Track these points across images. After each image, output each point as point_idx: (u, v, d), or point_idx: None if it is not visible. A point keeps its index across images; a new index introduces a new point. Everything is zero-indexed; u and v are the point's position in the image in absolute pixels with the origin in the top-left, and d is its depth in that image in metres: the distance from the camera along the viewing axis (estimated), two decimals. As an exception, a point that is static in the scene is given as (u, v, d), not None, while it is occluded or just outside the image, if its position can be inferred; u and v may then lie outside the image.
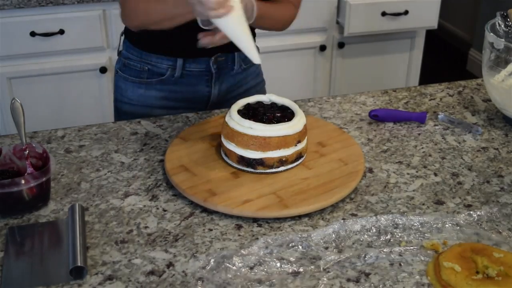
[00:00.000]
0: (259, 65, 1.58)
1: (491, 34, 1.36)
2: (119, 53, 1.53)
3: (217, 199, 1.10)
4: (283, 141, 1.16)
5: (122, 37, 1.52)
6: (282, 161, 1.17)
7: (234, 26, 1.11)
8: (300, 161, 1.20)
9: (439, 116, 1.41)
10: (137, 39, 1.46)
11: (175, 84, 1.47)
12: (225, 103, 1.52)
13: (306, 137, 1.21)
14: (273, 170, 1.17)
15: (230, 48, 1.29)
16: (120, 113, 1.53)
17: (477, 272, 0.95)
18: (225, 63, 1.48)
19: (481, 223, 1.08)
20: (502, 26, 1.39)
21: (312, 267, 0.98)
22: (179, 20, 1.23)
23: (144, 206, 1.12)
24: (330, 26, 2.60)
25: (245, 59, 1.50)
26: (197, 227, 1.07)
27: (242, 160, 1.17)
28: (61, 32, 2.31)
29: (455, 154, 1.30)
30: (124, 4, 1.33)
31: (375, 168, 1.24)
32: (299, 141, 1.18)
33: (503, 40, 1.35)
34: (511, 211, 1.12)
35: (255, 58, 1.15)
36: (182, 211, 1.11)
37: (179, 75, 1.46)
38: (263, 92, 1.60)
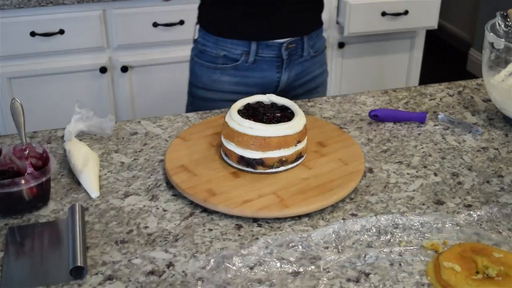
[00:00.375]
0: (325, 55, 1.65)
1: (491, 34, 1.36)
2: (195, 41, 1.60)
3: (217, 199, 1.10)
4: (283, 141, 1.16)
5: (197, 26, 1.59)
6: (282, 161, 1.17)
7: None
8: (300, 161, 1.20)
9: (439, 116, 1.41)
10: (213, 26, 1.54)
11: (247, 70, 1.54)
12: (292, 90, 1.60)
13: (306, 137, 1.21)
14: (273, 170, 1.17)
15: (300, 32, 1.46)
16: (194, 98, 1.61)
17: (477, 272, 0.95)
18: (295, 49, 1.54)
19: (481, 223, 1.08)
20: (502, 26, 1.39)
21: (312, 267, 0.98)
22: None
23: (144, 206, 1.12)
24: (330, 26, 2.60)
25: (314, 46, 1.58)
26: (197, 227, 1.07)
27: (242, 160, 1.17)
28: (61, 32, 2.31)
29: (455, 154, 1.30)
30: None
31: (375, 168, 1.24)
32: (299, 141, 1.18)
33: (503, 40, 1.35)
34: (511, 211, 1.12)
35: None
36: (182, 211, 1.11)
37: (252, 61, 1.52)
38: (325, 82, 1.68)
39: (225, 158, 1.21)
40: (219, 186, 1.14)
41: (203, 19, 1.58)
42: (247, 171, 1.17)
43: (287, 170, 1.18)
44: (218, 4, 1.52)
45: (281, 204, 1.09)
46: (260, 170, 1.17)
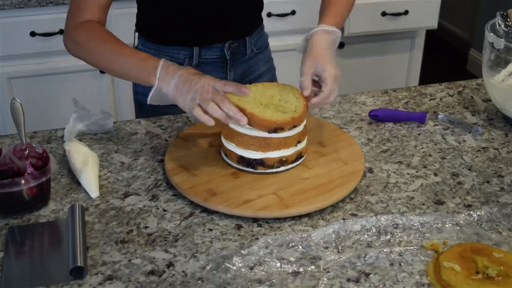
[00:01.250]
0: (269, 51, 1.64)
1: (491, 34, 1.36)
2: (136, 48, 1.55)
3: (217, 199, 1.10)
4: (283, 142, 1.16)
5: (136, 34, 1.56)
6: (282, 161, 1.17)
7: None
8: (300, 161, 1.20)
9: (439, 116, 1.41)
10: (153, 33, 1.50)
11: None
12: None
13: (306, 137, 1.21)
14: (273, 170, 1.17)
15: (241, 33, 1.46)
16: (143, 107, 1.56)
17: (477, 272, 0.95)
18: (238, 48, 1.52)
19: (481, 223, 1.08)
20: (502, 26, 1.39)
21: (312, 267, 0.98)
22: (126, 75, 1.27)
23: (144, 206, 1.12)
24: (330, 26, 2.59)
25: (256, 44, 1.56)
26: (197, 227, 1.07)
27: (242, 160, 1.17)
28: (61, 32, 2.30)
29: (455, 154, 1.30)
30: (73, 33, 1.32)
31: (375, 168, 1.24)
32: (299, 141, 1.18)
33: (503, 40, 1.35)
34: (511, 211, 1.12)
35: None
36: (182, 211, 1.11)
37: (196, 64, 1.49)
38: (275, 78, 1.67)
39: (225, 158, 1.21)
40: (219, 186, 1.14)
41: (142, 28, 1.54)
42: (247, 171, 1.17)
43: (287, 170, 1.18)
44: (156, 12, 1.47)
45: (281, 204, 1.09)
46: (260, 170, 1.17)
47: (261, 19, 1.60)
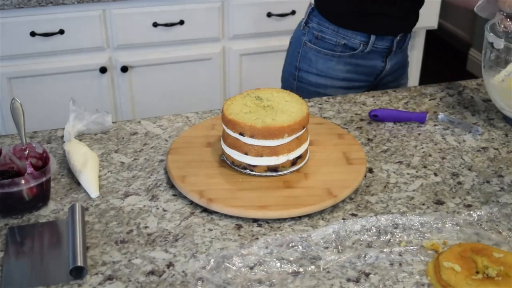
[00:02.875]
0: (407, 48, 1.76)
1: (491, 34, 1.36)
2: (305, 25, 1.65)
3: (217, 199, 1.10)
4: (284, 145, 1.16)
5: (310, 11, 1.65)
6: (282, 163, 1.17)
7: None
8: (301, 162, 1.20)
9: (439, 116, 1.41)
10: (335, 16, 1.59)
11: (360, 59, 1.62)
12: (386, 76, 1.69)
13: (307, 138, 1.21)
14: (274, 171, 1.17)
15: (410, 28, 1.64)
16: (304, 83, 1.67)
17: (477, 272, 0.95)
18: (400, 42, 1.65)
19: (481, 223, 1.08)
20: (502, 26, 1.39)
21: (312, 267, 0.98)
22: None
23: (144, 206, 1.12)
24: (330, 26, 2.59)
25: (410, 37, 1.70)
26: (197, 227, 1.07)
27: (242, 162, 1.17)
28: (61, 32, 2.31)
29: (455, 154, 1.30)
30: None
31: (375, 168, 1.24)
32: (299, 143, 1.18)
33: (502, 40, 1.35)
34: (511, 211, 1.12)
35: None
36: (182, 211, 1.11)
37: (368, 51, 1.61)
38: (406, 72, 1.79)
39: (225, 159, 1.20)
40: (220, 187, 1.14)
41: (323, 6, 1.62)
42: (247, 173, 1.17)
43: (287, 170, 1.18)
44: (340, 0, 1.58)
45: (281, 204, 1.09)
46: (260, 171, 1.17)
47: (418, 19, 1.72)
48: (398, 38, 1.63)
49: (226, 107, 1.18)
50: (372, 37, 1.59)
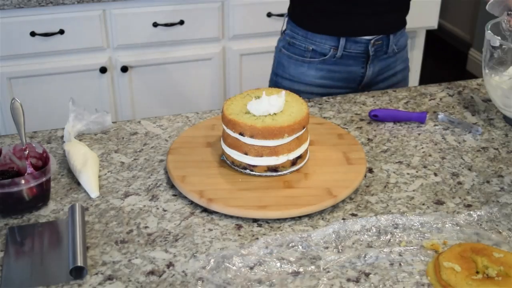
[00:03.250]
0: (407, 51, 1.72)
1: (489, 31, 1.36)
2: (283, 32, 1.67)
3: (217, 199, 1.10)
4: (284, 145, 1.16)
5: (286, 18, 1.65)
6: (282, 163, 1.17)
7: None
8: (300, 162, 1.20)
9: (439, 116, 1.41)
10: (303, 20, 1.58)
11: (334, 64, 1.59)
12: (374, 84, 1.66)
13: (307, 138, 1.21)
14: (274, 171, 1.17)
15: (387, 30, 1.57)
16: (279, 88, 1.62)
17: (477, 272, 0.95)
18: (381, 46, 1.59)
19: (481, 223, 1.08)
20: (508, 25, 1.39)
21: (312, 267, 0.98)
22: None
23: (144, 206, 1.12)
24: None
25: (397, 44, 1.63)
26: (197, 227, 1.07)
27: (242, 162, 1.17)
28: (61, 32, 2.31)
29: (455, 154, 1.30)
30: None
31: (375, 168, 1.24)
32: (299, 143, 1.18)
33: (499, 38, 1.34)
34: (511, 211, 1.12)
35: None
36: (182, 211, 1.11)
37: (339, 56, 1.58)
38: (406, 78, 1.74)
39: (226, 160, 1.20)
40: (220, 187, 1.14)
41: (294, 13, 1.62)
42: (247, 173, 1.17)
43: (287, 170, 1.18)
44: (310, 0, 1.56)
45: (281, 204, 1.09)
46: (260, 171, 1.17)
47: (405, 22, 1.66)
48: (373, 41, 1.57)
49: (226, 107, 1.18)
50: (342, 41, 1.55)
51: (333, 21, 1.54)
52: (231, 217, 1.09)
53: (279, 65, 1.68)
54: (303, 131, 1.17)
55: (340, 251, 1.01)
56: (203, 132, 1.30)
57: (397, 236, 1.04)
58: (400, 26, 1.64)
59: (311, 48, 1.58)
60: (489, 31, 1.35)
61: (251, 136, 1.13)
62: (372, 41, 1.57)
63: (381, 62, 1.62)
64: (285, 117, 1.15)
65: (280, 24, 2.53)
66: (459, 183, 1.20)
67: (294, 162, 1.18)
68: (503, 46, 1.34)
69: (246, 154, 1.15)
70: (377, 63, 1.62)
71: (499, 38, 1.34)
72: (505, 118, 1.42)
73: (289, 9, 1.66)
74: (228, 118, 1.15)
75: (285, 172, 1.18)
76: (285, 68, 1.65)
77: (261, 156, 1.15)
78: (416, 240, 1.04)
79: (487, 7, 1.40)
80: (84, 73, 2.42)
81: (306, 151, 1.21)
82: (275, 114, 1.16)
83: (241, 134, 1.14)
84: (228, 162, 1.20)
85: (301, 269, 0.97)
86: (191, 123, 1.40)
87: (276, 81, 1.68)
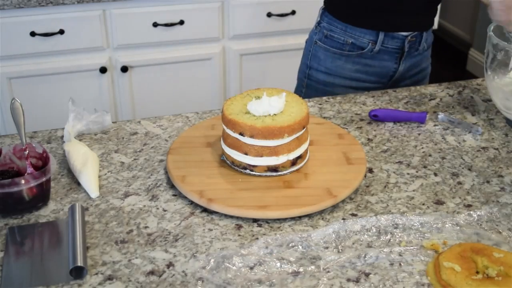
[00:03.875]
0: (430, 51, 1.72)
1: (493, 35, 1.35)
2: (317, 25, 1.66)
3: (217, 199, 1.10)
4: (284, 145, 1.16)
5: (321, 11, 1.66)
6: (282, 163, 1.17)
7: None
8: (301, 162, 1.20)
9: (439, 116, 1.41)
10: (343, 13, 1.59)
11: (370, 59, 1.61)
12: (402, 80, 1.69)
13: (307, 138, 1.21)
14: (274, 171, 1.17)
15: (422, 26, 1.60)
16: (313, 81, 1.68)
17: (477, 272, 0.95)
18: (414, 43, 1.62)
19: (481, 223, 1.08)
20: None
21: (312, 267, 0.98)
22: None
23: (144, 206, 1.12)
24: (330, 26, 2.59)
25: (427, 41, 1.66)
26: (197, 227, 1.07)
27: (242, 162, 1.17)
28: (61, 32, 2.31)
29: (455, 154, 1.30)
30: None
31: (375, 168, 1.24)
32: (299, 144, 1.18)
33: (497, 39, 1.34)
34: (511, 211, 1.12)
35: None
36: (182, 211, 1.11)
37: (377, 50, 1.59)
38: (428, 76, 1.77)
39: (225, 159, 1.20)
40: (220, 187, 1.14)
41: (332, 5, 1.63)
42: (247, 173, 1.17)
43: (287, 171, 1.18)
44: None
45: (281, 204, 1.09)
46: (260, 171, 1.17)
47: (434, 21, 1.68)
48: (409, 38, 1.60)
49: (226, 107, 1.18)
50: (381, 36, 1.58)
51: (374, 16, 1.57)
52: (231, 217, 1.09)
53: (314, 57, 1.67)
54: (303, 131, 1.17)
55: (340, 251, 1.01)
56: (203, 132, 1.30)
57: (397, 236, 1.04)
58: (431, 25, 1.67)
59: (350, 41, 1.60)
60: (493, 35, 1.35)
61: (251, 136, 1.13)
62: (408, 37, 1.59)
63: (412, 59, 1.65)
64: (285, 117, 1.15)
65: (280, 25, 2.54)
66: (459, 183, 1.20)
67: (294, 162, 1.18)
68: (507, 48, 1.34)
69: (246, 154, 1.15)
70: (409, 60, 1.64)
71: (497, 39, 1.34)
72: (506, 120, 1.42)
73: (325, 1, 1.67)
74: (228, 118, 1.15)
75: (285, 172, 1.18)
76: (321, 60, 1.65)
77: (261, 156, 1.15)
78: (416, 240, 1.04)
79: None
80: (84, 73, 2.42)
81: (306, 151, 1.21)
82: (275, 114, 1.16)
83: (241, 134, 1.14)
84: (228, 162, 1.20)
85: (301, 269, 0.97)
86: (191, 123, 1.40)
87: (310, 74, 1.69)
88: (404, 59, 1.63)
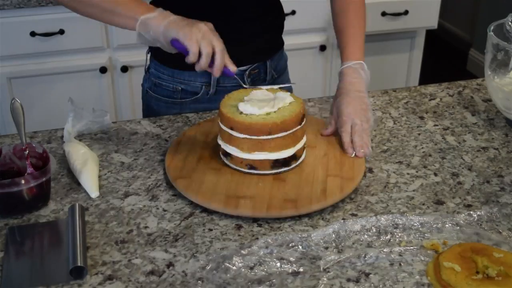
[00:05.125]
0: (288, 73, 1.55)
1: (493, 35, 1.35)
2: (147, 71, 1.49)
3: (217, 199, 1.10)
4: (281, 143, 1.16)
5: (148, 55, 1.48)
6: (281, 162, 1.17)
7: None
8: (299, 161, 1.20)
9: None
10: (167, 57, 1.35)
11: (208, 102, 1.44)
12: None
13: (303, 139, 1.21)
14: (273, 171, 1.17)
15: (262, 57, 1.30)
16: (150, 107, 1.50)
17: (477, 272, 0.95)
18: (258, 75, 1.45)
19: (481, 223, 1.08)
20: None
21: (312, 267, 0.98)
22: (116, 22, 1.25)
23: (144, 206, 1.12)
24: (330, 26, 2.58)
25: (276, 68, 1.49)
26: (197, 227, 1.07)
27: (242, 161, 1.17)
28: (61, 32, 2.31)
29: (455, 154, 1.30)
30: None
31: (375, 168, 1.24)
32: (295, 143, 1.18)
33: (497, 39, 1.34)
34: (511, 211, 1.12)
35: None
36: (182, 211, 1.11)
37: (213, 92, 1.42)
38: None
39: (225, 159, 1.20)
40: (220, 187, 1.14)
41: (156, 49, 1.36)
42: (247, 172, 1.17)
43: (287, 170, 1.18)
44: None
45: (281, 204, 1.09)
46: (260, 170, 1.17)
47: (282, 42, 1.52)
48: (248, 71, 1.42)
49: (223, 104, 1.19)
50: (213, 76, 1.30)
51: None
52: (231, 217, 1.09)
53: (148, 108, 1.50)
54: (299, 127, 1.16)
55: (340, 251, 1.01)
56: (203, 132, 1.30)
57: (397, 236, 1.04)
58: (277, 48, 1.49)
59: (180, 88, 1.43)
60: (493, 35, 1.35)
61: (249, 134, 1.13)
62: (247, 72, 1.42)
63: None
64: (281, 114, 1.15)
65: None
66: (459, 183, 1.20)
67: (293, 162, 1.18)
68: (507, 48, 1.34)
69: (245, 153, 1.15)
70: None
71: (505, 43, 1.34)
72: (506, 120, 1.42)
73: (151, 47, 1.45)
74: (226, 116, 1.15)
75: (284, 171, 1.18)
76: (155, 112, 1.47)
77: (261, 155, 1.15)
78: (416, 240, 1.04)
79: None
80: (84, 73, 2.41)
81: (302, 149, 1.21)
82: (274, 112, 1.16)
83: (239, 131, 1.14)
84: (228, 161, 1.20)
85: (301, 269, 0.97)
86: (191, 123, 1.40)
87: (148, 100, 1.51)
88: None
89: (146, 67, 1.50)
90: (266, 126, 1.13)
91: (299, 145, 1.19)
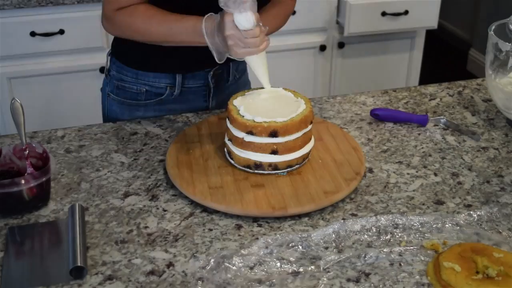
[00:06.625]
0: (247, 74, 1.56)
1: (494, 35, 1.35)
2: (107, 74, 1.46)
3: (217, 199, 1.10)
4: (289, 146, 1.16)
5: (109, 57, 1.45)
6: (282, 162, 1.17)
7: (260, 57, 1.21)
8: (303, 163, 1.20)
9: (441, 121, 1.40)
10: (131, 59, 1.38)
11: (173, 103, 1.44)
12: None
13: (310, 138, 1.21)
14: (274, 171, 1.17)
15: (227, 60, 1.27)
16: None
17: (477, 272, 0.95)
18: (221, 75, 1.45)
19: (481, 223, 1.08)
20: None
21: (312, 267, 0.98)
22: (182, 43, 1.25)
23: (144, 206, 1.12)
24: (330, 26, 2.60)
25: (238, 69, 1.49)
26: (197, 227, 1.07)
27: (244, 161, 1.17)
28: (61, 32, 2.31)
29: (455, 154, 1.30)
30: (113, 16, 1.25)
31: (375, 168, 1.24)
32: (302, 147, 1.18)
33: (498, 38, 1.34)
34: (511, 211, 1.12)
35: (265, 83, 1.24)
36: (182, 211, 1.11)
37: (178, 93, 1.42)
38: None
39: (226, 158, 1.20)
40: (220, 186, 1.14)
41: (119, 51, 1.41)
42: (248, 172, 1.17)
43: (287, 169, 1.18)
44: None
45: (281, 204, 1.09)
46: (261, 171, 1.17)
47: None
48: (213, 72, 1.41)
49: (230, 105, 1.19)
50: (178, 78, 1.37)
51: (166, 57, 1.36)
52: (231, 217, 1.09)
53: (110, 111, 1.47)
54: (306, 129, 1.17)
55: (340, 251, 1.01)
56: (203, 132, 1.30)
57: (397, 236, 1.04)
58: None
59: (144, 89, 1.41)
60: (494, 35, 1.35)
61: (253, 134, 1.13)
62: (212, 72, 1.42)
63: (224, 92, 1.47)
64: (287, 116, 1.15)
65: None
66: (459, 183, 1.20)
67: (294, 162, 1.18)
68: (508, 50, 1.34)
69: (247, 152, 1.15)
70: (219, 94, 1.47)
71: (506, 43, 1.33)
72: (507, 120, 1.42)
73: (112, 45, 1.44)
74: (232, 117, 1.15)
75: (285, 171, 1.18)
76: (117, 115, 1.45)
77: (262, 155, 1.15)
78: (416, 240, 1.04)
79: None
80: (84, 73, 2.41)
81: (308, 154, 1.21)
82: (278, 112, 1.16)
83: (243, 132, 1.14)
84: (228, 161, 1.20)
85: (301, 269, 0.97)
86: (191, 123, 1.40)
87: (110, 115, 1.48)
88: (213, 95, 1.46)
89: (106, 70, 1.46)
90: (271, 128, 1.13)
91: (309, 146, 1.19)
